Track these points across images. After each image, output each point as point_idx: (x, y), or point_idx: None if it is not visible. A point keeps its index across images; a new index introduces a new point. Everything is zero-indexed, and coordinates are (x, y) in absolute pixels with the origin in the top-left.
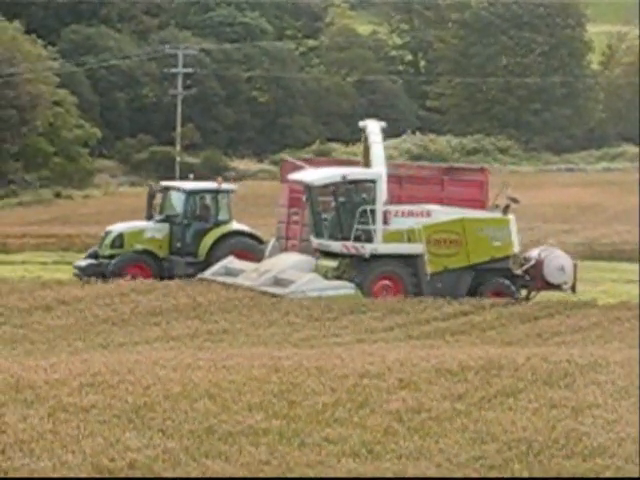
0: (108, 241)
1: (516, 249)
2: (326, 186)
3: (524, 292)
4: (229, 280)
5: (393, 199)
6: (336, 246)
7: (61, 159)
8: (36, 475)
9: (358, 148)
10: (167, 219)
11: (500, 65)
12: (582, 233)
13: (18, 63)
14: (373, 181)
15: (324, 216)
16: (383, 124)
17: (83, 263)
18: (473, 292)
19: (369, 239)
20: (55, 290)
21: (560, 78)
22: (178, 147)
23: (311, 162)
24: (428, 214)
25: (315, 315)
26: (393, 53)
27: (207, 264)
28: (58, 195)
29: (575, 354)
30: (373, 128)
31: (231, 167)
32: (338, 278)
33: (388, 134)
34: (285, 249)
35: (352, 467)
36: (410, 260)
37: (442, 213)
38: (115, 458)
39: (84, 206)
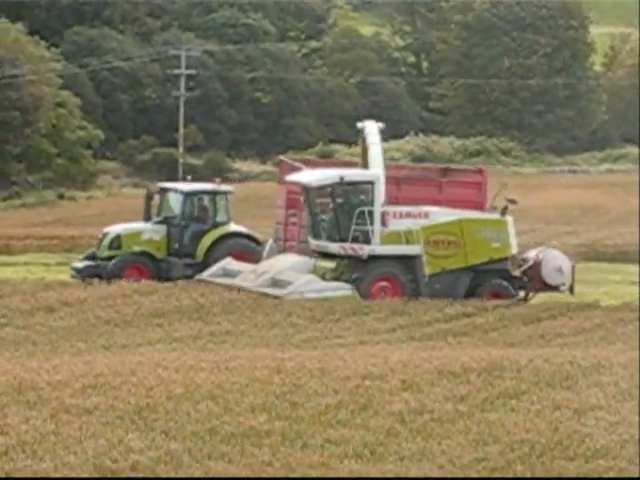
0: (106, 242)
1: (514, 250)
2: (324, 187)
3: (522, 293)
4: (227, 281)
5: (391, 200)
6: (334, 247)
7: (64, 160)
8: (39, 476)
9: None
10: (165, 220)
11: (503, 67)
12: (585, 235)
13: (21, 64)
14: (371, 182)
15: (322, 217)
16: (381, 125)
17: (81, 265)
18: (471, 293)
19: (367, 240)
20: (58, 291)
21: (563, 80)
22: (181, 148)
23: (309, 163)
24: (426, 215)
25: (318, 316)
26: (396, 54)
27: (205, 265)
28: (61, 196)
29: (578, 356)
30: (371, 129)
31: (234, 168)
32: (336, 279)
33: (391, 135)
34: (283, 250)
35: (355, 468)
36: (408, 261)
37: (440, 214)
38: (118, 459)
39: (87, 207)
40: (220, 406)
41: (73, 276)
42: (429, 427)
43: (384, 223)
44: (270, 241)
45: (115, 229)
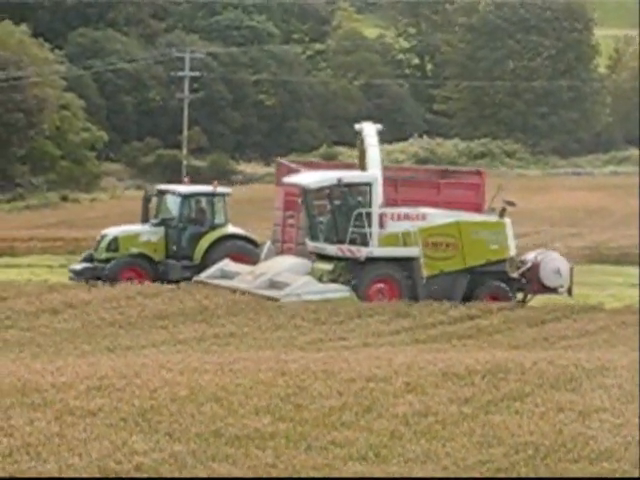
0: (104, 245)
1: (512, 252)
2: (322, 189)
3: (520, 295)
4: (225, 283)
5: (389, 202)
6: (332, 249)
7: (68, 162)
8: (43, 478)
9: None
10: (163, 222)
11: (507, 69)
12: (589, 237)
13: (25, 66)
14: (369, 184)
15: (319, 219)
16: (379, 127)
17: (78, 267)
18: (469, 295)
19: (365, 242)
20: (62, 293)
21: (567, 82)
22: (185, 150)
23: (306, 165)
24: (424, 217)
25: (322, 319)
26: (400, 57)
27: (203, 267)
28: (65, 198)
29: (582, 358)
30: (369, 131)
31: (238, 170)
32: (334, 281)
33: (395, 137)
34: (281, 252)
35: (359, 470)
36: (406, 263)
37: (438, 216)
38: (122, 461)
39: (91, 209)
40: (224, 408)
41: (71, 278)
42: (433, 429)
43: (382, 225)
44: (268, 243)
45: (113, 231)
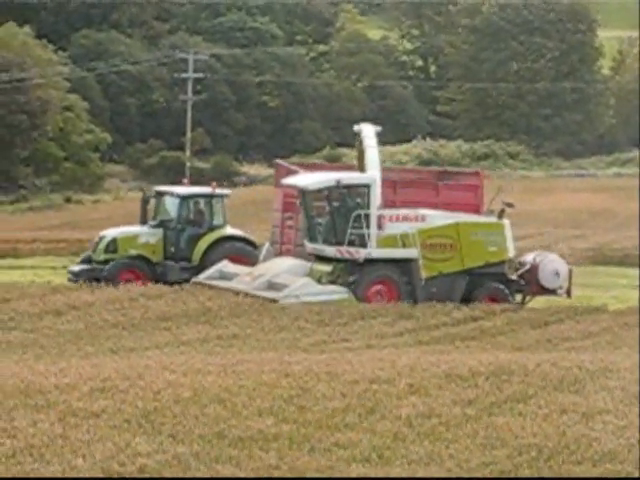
0: (102, 246)
1: (511, 254)
2: (320, 190)
3: (519, 297)
4: (223, 284)
5: (387, 203)
6: (330, 251)
7: (71, 164)
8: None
9: None
10: (161, 224)
11: (511, 70)
12: (592, 238)
13: (29, 68)
14: (367, 186)
15: (318, 220)
16: (378, 128)
17: (77, 268)
18: (468, 297)
19: (363, 244)
20: (65, 295)
21: (571, 83)
22: (188, 152)
23: (305, 166)
24: (422, 219)
25: (325, 320)
26: (404, 58)
27: (201, 269)
28: (68, 200)
29: (585, 360)
30: (368, 132)
31: (241, 172)
32: (332, 283)
33: (398, 139)
34: (280, 253)
35: (362, 472)
36: (404, 265)
37: (437, 217)
38: (125, 463)
39: (94, 211)
40: (227, 409)
41: (70, 279)
42: (437, 431)
43: (380, 226)
44: (267, 244)
45: (111, 232)
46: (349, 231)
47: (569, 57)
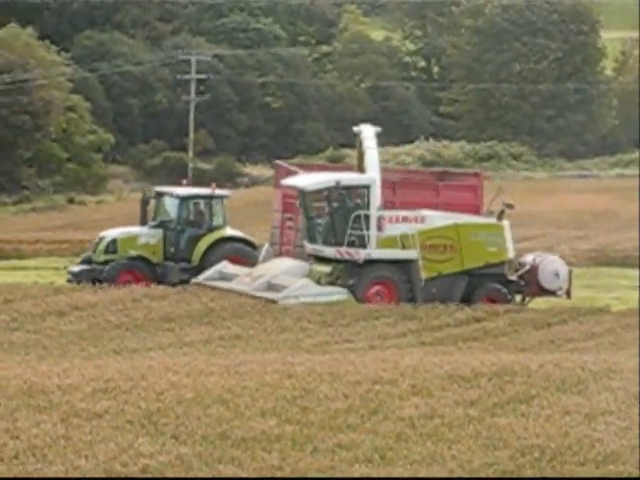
0: (102, 247)
1: (511, 255)
2: (320, 191)
3: (519, 298)
4: (223, 285)
5: (387, 204)
6: (330, 251)
7: (74, 165)
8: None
9: None
10: (161, 225)
11: (513, 71)
12: (595, 239)
13: (32, 69)
14: (367, 186)
15: (318, 221)
16: (378, 129)
17: (76, 269)
18: (467, 298)
19: (363, 244)
20: (68, 296)
21: (573, 84)
22: (191, 153)
23: (305, 167)
24: (422, 220)
25: (328, 321)
26: (406, 59)
27: (201, 270)
28: (71, 201)
29: (588, 360)
30: (367, 133)
31: (244, 173)
32: (331, 284)
33: (401, 140)
34: (279, 254)
35: (364, 472)
36: (404, 266)
37: (436, 218)
38: (128, 463)
39: (97, 212)
40: (230, 410)
41: (69, 280)
42: (439, 432)
43: (380, 227)
44: (266, 245)
45: (111, 233)
46: (349, 232)
47: (572, 58)
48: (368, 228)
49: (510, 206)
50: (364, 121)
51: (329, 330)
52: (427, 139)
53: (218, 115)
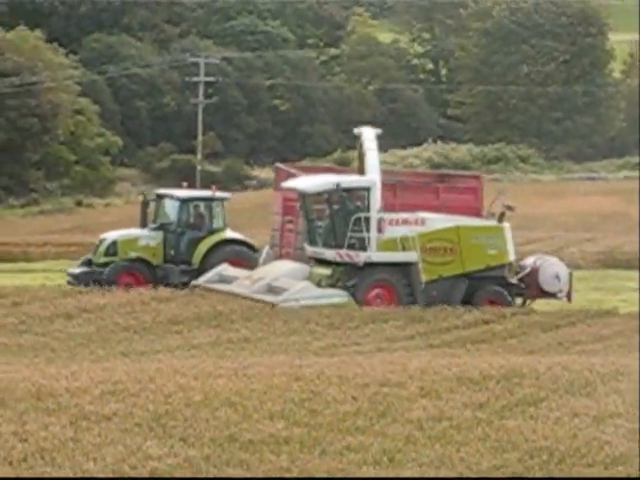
0: (102, 249)
1: (511, 257)
2: (320, 194)
3: (519, 300)
4: (223, 287)
5: (387, 207)
6: (330, 254)
7: (82, 167)
8: None
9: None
10: (161, 227)
11: (521, 73)
12: (603, 242)
13: (40, 72)
14: (367, 189)
15: (318, 224)
16: (378, 131)
17: (77, 271)
18: (468, 300)
19: (363, 247)
20: (76, 298)
21: (581, 87)
22: (199, 156)
23: (305, 169)
24: (422, 222)
25: (336, 323)
26: (414, 61)
27: (201, 272)
28: (79, 203)
29: (596, 363)
30: (368, 135)
31: (252, 175)
32: (332, 286)
33: (409, 142)
34: (279, 257)
35: (373, 475)
36: (404, 268)
37: (437, 221)
38: (136, 466)
39: (105, 214)
40: (239, 413)
41: (69, 282)
42: (448, 434)
43: (380, 230)
44: (266, 247)
45: (111, 235)
46: (349, 234)
47: (580, 60)
48: (368, 230)
49: (510, 208)
50: (372, 124)
51: (337, 333)
52: (435, 141)
53: (226, 118)
